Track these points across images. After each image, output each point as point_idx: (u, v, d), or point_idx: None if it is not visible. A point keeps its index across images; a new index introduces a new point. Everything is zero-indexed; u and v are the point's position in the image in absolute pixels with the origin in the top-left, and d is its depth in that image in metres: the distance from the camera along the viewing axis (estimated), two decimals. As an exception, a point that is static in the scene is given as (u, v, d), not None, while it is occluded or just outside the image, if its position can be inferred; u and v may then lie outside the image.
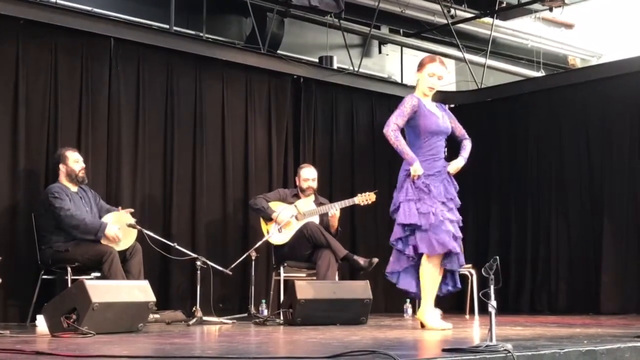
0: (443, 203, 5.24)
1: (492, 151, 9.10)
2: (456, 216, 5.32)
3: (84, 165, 6.36)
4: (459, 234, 5.31)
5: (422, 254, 5.22)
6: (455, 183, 5.41)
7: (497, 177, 9.09)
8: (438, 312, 5.55)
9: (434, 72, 5.32)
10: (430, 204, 5.18)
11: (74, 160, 6.31)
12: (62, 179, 6.30)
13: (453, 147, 5.52)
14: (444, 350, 3.32)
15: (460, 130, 5.54)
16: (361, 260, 6.78)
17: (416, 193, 5.20)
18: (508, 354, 3.15)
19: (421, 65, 5.37)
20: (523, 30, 10.76)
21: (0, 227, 6.35)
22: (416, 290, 5.34)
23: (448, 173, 5.36)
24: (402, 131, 5.33)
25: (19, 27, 6.58)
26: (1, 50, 6.49)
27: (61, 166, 6.29)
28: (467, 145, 5.51)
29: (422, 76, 5.35)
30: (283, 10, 8.63)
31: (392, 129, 5.26)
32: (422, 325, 5.29)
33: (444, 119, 5.37)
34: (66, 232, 6.07)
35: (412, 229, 5.21)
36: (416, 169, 5.19)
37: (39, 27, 6.68)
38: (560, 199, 8.53)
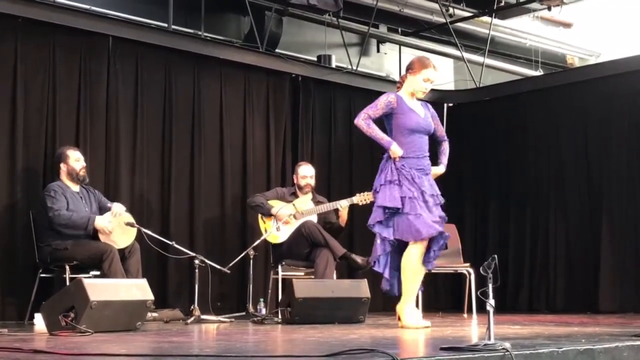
0: (432, 195, 5.22)
1: (490, 150, 9.11)
2: (441, 213, 5.28)
3: (84, 165, 6.35)
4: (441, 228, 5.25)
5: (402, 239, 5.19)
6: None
7: (496, 177, 9.09)
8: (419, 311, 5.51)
9: (429, 78, 5.34)
10: (412, 189, 5.15)
11: (75, 159, 6.31)
12: (63, 177, 6.29)
13: (432, 148, 5.50)
14: (442, 349, 3.32)
15: (441, 132, 5.56)
16: (359, 259, 6.79)
17: (397, 176, 5.19)
18: (506, 353, 3.16)
19: (414, 69, 5.35)
20: (521, 29, 10.75)
21: (-1, 226, 6.35)
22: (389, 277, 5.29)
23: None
24: (387, 130, 5.35)
25: (18, 25, 6.58)
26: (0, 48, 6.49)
27: (62, 165, 6.29)
28: (445, 149, 5.54)
29: (415, 79, 5.34)
30: (281, 8, 8.63)
31: (362, 118, 5.31)
32: (399, 319, 5.25)
33: (425, 117, 5.38)
34: (57, 231, 6.06)
35: (392, 212, 5.17)
36: (394, 150, 5.20)
37: (37, 25, 6.67)
38: (558, 198, 8.53)
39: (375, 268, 5.33)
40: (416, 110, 5.36)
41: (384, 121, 5.40)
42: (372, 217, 5.27)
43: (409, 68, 5.39)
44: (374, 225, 5.26)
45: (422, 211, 5.13)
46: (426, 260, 5.24)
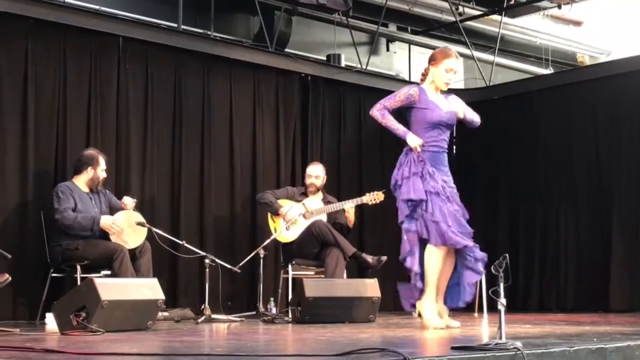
0: (450, 194, 5.12)
1: (501, 149, 9.08)
2: (464, 213, 5.20)
3: (106, 175, 6.37)
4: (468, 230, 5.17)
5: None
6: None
7: (506, 175, 9.06)
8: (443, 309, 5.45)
9: (451, 68, 5.21)
10: (434, 185, 5.06)
11: (103, 169, 6.31)
12: (80, 179, 6.28)
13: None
14: (453, 348, 3.31)
15: (471, 116, 5.33)
16: (369, 259, 6.78)
17: (421, 169, 5.08)
18: (517, 352, 3.15)
19: (436, 60, 5.23)
20: (531, 28, 10.73)
21: (10, 226, 6.37)
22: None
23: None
24: (406, 123, 5.27)
25: (28, 26, 6.60)
26: (10, 49, 6.51)
27: (89, 169, 6.26)
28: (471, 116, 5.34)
29: (437, 71, 5.22)
30: (291, 8, 8.64)
31: (377, 108, 5.23)
32: (419, 315, 5.17)
33: (449, 111, 5.24)
34: (64, 232, 6.08)
35: (415, 204, 5.07)
36: (412, 139, 5.09)
37: (48, 26, 6.70)
38: (569, 197, 8.50)
39: (407, 264, 5.16)
40: (439, 103, 5.24)
41: (404, 114, 5.28)
42: (400, 214, 5.14)
43: (431, 59, 5.27)
44: (402, 222, 5.13)
45: (440, 215, 5.02)
46: (463, 265, 5.14)
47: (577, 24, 11.50)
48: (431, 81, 5.27)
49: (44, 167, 6.62)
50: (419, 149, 5.10)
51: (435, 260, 5.08)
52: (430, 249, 5.09)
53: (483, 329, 5.48)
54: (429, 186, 5.06)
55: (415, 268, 5.14)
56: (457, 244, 5.04)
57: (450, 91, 5.40)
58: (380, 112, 5.21)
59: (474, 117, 5.38)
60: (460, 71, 10.63)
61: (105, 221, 6.10)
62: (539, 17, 10.78)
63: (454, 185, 5.24)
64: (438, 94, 5.30)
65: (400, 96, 5.20)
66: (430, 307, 5.11)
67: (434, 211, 5.03)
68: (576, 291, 8.33)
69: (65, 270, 6.20)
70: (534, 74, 10.61)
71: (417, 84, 5.36)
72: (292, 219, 6.90)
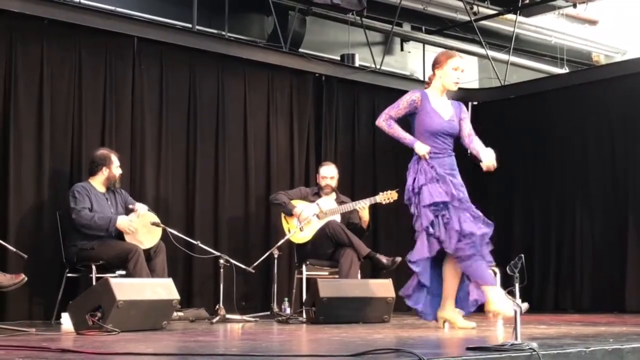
0: (460, 201, 5.08)
1: (516, 149, 9.04)
2: (475, 213, 5.14)
3: (121, 172, 6.39)
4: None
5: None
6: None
7: (521, 175, 9.03)
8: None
9: (457, 66, 5.19)
10: (448, 190, 5.05)
11: (117, 166, 6.34)
12: (97, 180, 6.30)
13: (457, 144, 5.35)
14: (468, 348, 3.30)
15: (465, 132, 5.27)
16: (384, 259, 6.77)
17: (435, 174, 5.07)
18: (533, 353, 3.13)
19: (440, 62, 5.20)
20: (546, 27, 10.68)
21: (26, 226, 6.40)
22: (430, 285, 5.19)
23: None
24: (409, 129, 5.27)
25: (43, 27, 6.63)
26: (26, 50, 6.54)
27: (104, 169, 6.29)
28: (477, 145, 5.26)
29: (443, 72, 5.18)
30: (305, 8, 8.64)
31: (383, 119, 5.25)
32: (451, 325, 5.16)
33: (451, 119, 5.20)
34: (82, 231, 6.10)
35: (437, 209, 5.03)
36: (420, 148, 5.09)
37: (62, 27, 6.73)
38: (584, 197, 8.46)
39: (413, 267, 5.18)
40: (440, 111, 5.19)
41: (410, 120, 5.28)
42: (423, 219, 5.06)
43: (435, 63, 5.25)
44: (429, 227, 5.05)
45: (454, 222, 5.01)
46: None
47: (593, 23, 11.44)
48: (438, 86, 5.24)
49: (60, 167, 6.65)
50: (427, 157, 5.10)
51: (452, 267, 5.13)
52: (451, 258, 5.09)
53: (498, 329, 5.46)
54: (446, 188, 5.05)
55: (419, 267, 5.16)
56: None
57: (460, 90, 5.37)
58: (387, 123, 5.23)
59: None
60: (474, 71, 10.69)
61: (122, 221, 6.12)
62: (554, 16, 10.73)
63: (463, 187, 5.20)
64: (444, 98, 5.27)
65: (403, 103, 5.21)
66: (454, 312, 5.17)
67: (452, 218, 5.00)
68: (592, 291, 8.29)
69: (81, 270, 6.22)
70: (549, 73, 10.56)
71: (421, 89, 5.34)
72: (306, 218, 6.90)
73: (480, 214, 5.13)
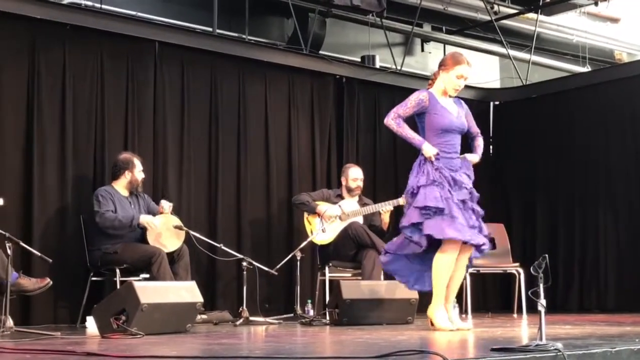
0: (463, 202, 5.08)
1: (538, 148, 8.99)
2: (476, 222, 5.13)
3: (144, 175, 6.43)
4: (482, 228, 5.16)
5: (430, 248, 5.08)
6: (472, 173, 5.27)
7: (544, 175, 8.97)
8: (456, 309, 5.45)
9: (462, 75, 5.18)
10: (452, 192, 5.04)
11: (140, 170, 6.38)
12: (120, 184, 6.35)
13: (464, 144, 5.38)
14: (492, 349, 3.29)
15: (474, 128, 5.41)
16: (406, 260, 6.75)
17: (439, 177, 5.06)
18: (558, 353, 3.12)
19: (447, 65, 5.19)
20: (568, 25, 10.62)
21: (50, 230, 6.45)
22: (403, 279, 5.31)
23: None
24: (418, 129, 5.27)
25: (65, 32, 6.68)
26: (48, 55, 6.59)
27: (127, 172, 6.33)
28: (481, 144, 5.39)
29: (448, 76, 5.18)
30: (325, 10, 8.64)
31: (391, 117, 5.22)
32: (432, 324, 5.12)
33: (459, 116, 5.24)
34: (106, 234, 6.14)
35: (432, 212, 5.01)
36: (427, 149, 5.09)
37: (84, 32, 6.77)
38: (608, 196, 8.39)
39: (381, 257, 5.40)
40: (449, 108, 5.22)
41: (416, 120, 5.28)
42: (407, 219, 5.10)
43: (442, 64, 5.25)
44: (408, 228, 5.10)
45: (459, 214, 5.01)
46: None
47: (615, 21, 11.36)
48: (440, 87, 5.25)
49: (83, 172, 6.69)
50: (434, 159, 5.09)
51: (446, 264, 5.06)
52: (441, 255, 5.05)
53: (523, 330, 5.43)
54: (446, 193, 5.03)
55: (390, 251, 5.31)
56: (461, 237, 5.01)
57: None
58: (396, 121, 5.21)
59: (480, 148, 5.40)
60: (495, 70, 10.65)
61: (145, 218, 6.15)
62: (576, 15, 10.66)
63: (471, 186, 5.20)
64: (447, 98, 5.28)
65: (411, 102, 5.20)
66: (440, 312, 5.09)
67: (447, 212, 4.99)
68: (616, 291, 8.22)
69: (105, 274, 6.27)
70: (571, 72, 10.50)
71: (426, 89, 5.32)
72: (330, 217, 6.91)
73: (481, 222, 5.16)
